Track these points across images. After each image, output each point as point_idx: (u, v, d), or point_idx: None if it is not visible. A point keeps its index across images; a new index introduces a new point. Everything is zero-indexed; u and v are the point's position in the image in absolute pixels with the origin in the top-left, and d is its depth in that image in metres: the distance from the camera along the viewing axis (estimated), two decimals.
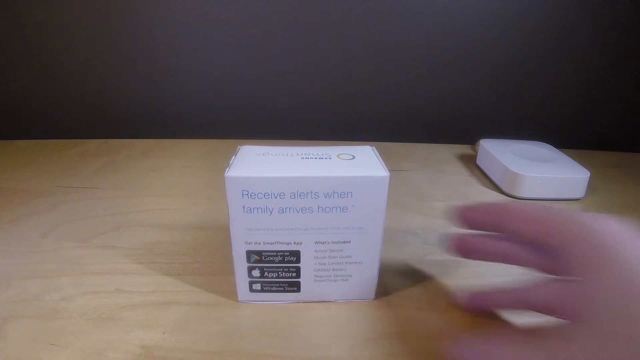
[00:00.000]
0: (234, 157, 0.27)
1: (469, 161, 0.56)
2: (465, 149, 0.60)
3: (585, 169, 0.46)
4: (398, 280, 0.32)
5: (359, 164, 0.26)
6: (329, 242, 0.27)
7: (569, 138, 0.63)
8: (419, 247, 0.36)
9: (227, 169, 0.25)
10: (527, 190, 0.44)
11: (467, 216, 0.26)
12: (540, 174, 0.44)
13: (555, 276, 0.23)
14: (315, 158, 0.27)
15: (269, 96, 0.64)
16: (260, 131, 0.65)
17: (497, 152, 0.49)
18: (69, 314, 0.28)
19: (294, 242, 0.26)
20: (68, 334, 0.26)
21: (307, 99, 0.65)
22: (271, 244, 0.26)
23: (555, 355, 0.19)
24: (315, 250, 0.27)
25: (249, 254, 0.27)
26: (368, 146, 0.30)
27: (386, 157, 0.38)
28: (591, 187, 0.46)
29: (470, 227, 0.26)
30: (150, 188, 0.46)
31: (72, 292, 0.30)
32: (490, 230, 0.26)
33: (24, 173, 0.49)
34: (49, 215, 0.40)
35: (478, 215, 0.26)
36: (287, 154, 0.27)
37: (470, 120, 0.66)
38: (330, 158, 0.27)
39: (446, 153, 0.59)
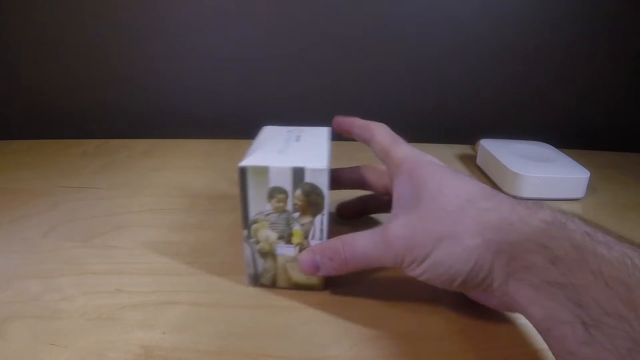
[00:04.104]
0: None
1: (469, 161, 0.56)
2: (465, 149, 0.60)
3: (585, 169, 0.46)
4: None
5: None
6: None
7: (569, 138, 0.63)
8: None
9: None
10: (527, 190, 0.44)
11: (346, 126, 0.34)
12: (540, 174, 0.44)
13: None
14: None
15: (269, 96, 0.64)
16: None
17: (497, 152, 0.49)
18: (69, 314, 0.28)
19: None
20: (68, 334, 0.26)
21: (306, 98, 0.65)
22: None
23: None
24: None
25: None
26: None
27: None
28: (591, 187, 0.46)
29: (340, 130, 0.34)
30: (150, 188, 0.46)
31: (72, 292, 0.30)
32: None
33: (24, 173, 0.49)
34: (49, 215, 0.40)
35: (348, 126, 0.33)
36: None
37: (470, 120, 0.66)
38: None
39: (446, 153, 0.59)
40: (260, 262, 0.30)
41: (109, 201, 0.43)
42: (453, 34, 0.60)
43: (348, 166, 0.36)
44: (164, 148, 0.58)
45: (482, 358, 0.25)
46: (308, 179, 0.27)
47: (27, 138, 0.60)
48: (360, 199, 0.38)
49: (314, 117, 0.65)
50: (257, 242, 0.29)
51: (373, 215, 0.40)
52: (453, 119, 0.66)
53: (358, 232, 0.27)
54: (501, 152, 0.49)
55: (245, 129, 0.66)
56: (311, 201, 0.27)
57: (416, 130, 0.66)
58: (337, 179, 0.36)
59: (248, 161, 0.27)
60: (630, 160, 0.59)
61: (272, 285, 0.30)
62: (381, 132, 0.31)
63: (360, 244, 0.26)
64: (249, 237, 0.29)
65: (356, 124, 0.33)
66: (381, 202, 0.37)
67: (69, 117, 0.65)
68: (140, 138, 0.61)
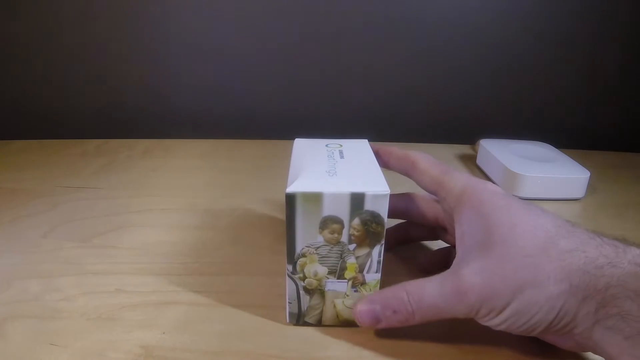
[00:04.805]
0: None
1: (469, 161, 0.56)
2: (465, 149, 0.60)
3: (585, 169, 0.46)
4: (399, 280, 0.32)
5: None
6: None
7: (569, 138, 0.63)
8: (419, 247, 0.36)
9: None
10: (527, 190, 0.44)
11: (383, 156, 0.31)
12: (540, 174, 0.44)
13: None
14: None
15: (269, 96, 0.64)
16: (260, 131, 0.65)
17: (497, 152, 0.49)
18: (69, 314, 0.28)
19: None
20: (68, 334, 0.26)
21: (307, 99, 0.65)
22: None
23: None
24: None
25: None
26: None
27: None
28: (591, 187, 0.46)
29: (385, 165, 0.31)
30: (150, 188, 0.46)
31: (72, 292, 0.30)
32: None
33: (24, 173, 0.49)
34: (49, 215, 0.40)
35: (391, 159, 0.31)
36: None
37: (470, 120, 0.66)
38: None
39: (446, 153, 0.59)
40: (306, 298, 0.26)
41: (109, 201, 0.43)
42: (453, 34, 0.60)
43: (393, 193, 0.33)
44: (164, 148, 0.58)
45: None
46: (368, 206, 0.24)
47: (27, 138, 0.60)
48: (399, 228, 0.34)
49: (314, 117, 0.65)
50: (304, 277, 0.26)
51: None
52: (453, 119, 0.66)
53: (422, 280, 0.24)
54: (501, 152, 0.49)
55: (245, 129, 0.66)
56: (370, 231, 0.24)
57: (416, 130, 0.66)
58: None
59: (296, 186, 0.24)
60: (630, 160, 0.59)
61: (318, 324, 0.27)
62: (424, 161, 0.29)
63: (429, 295, 0.23)
64: (294, 272, 0.25)
65: (394, 154, 0.30)
66: (423, 231, 0.33)
67: (69, 117, 0.65)
68: (140, 138, 0.61)
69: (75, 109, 0.65)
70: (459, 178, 0.27)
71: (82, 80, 0.63)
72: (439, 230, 0.32)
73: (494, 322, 0.22)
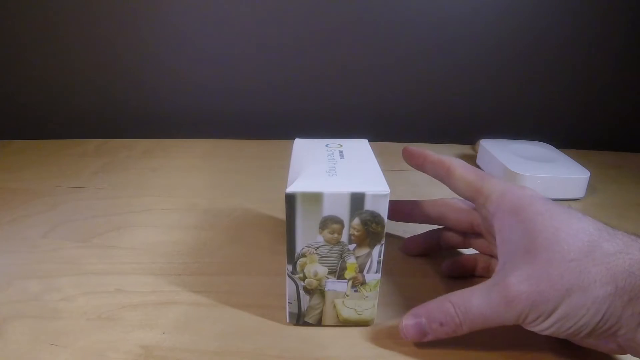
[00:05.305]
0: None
1: (469, 161, 0.56)
2: (465, 149, 0.60)
3: (585, 169, 0.46)
4: (399, 279, 0.32)
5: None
6: None
7: (569, 138, 0.63)
8: None
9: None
10: None
11: (417, 159, 0.31)
12: (540, 174, 0.44)
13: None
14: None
15: (269, 96, 0.64)
16: (260, 131, 0.65)
17: (497, 152, 0.49)
18: (69, 314, 0.28)
19: None
20: (68, 334, 0.26)
21: (307, 99, 0.65)
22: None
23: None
24: None
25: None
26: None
27: (386, 157, 0.38)
28: (591, 187, 0.46)
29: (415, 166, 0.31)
30: (150, 188, 0.46)
31: (72, 292, 0.30)
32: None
33: (24, 173, 0.49)
34: (49, 215, 0.40)
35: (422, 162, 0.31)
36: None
37: (470, 120, 0.66)
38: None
39: (446, 153, 0.58)
40: (306, 298, 0.26)
41: (109, 201, 0.43)
42: (453, 34, 0.60)
43: (427, 199, 0.33)
44: (164, 148, 0.58)
45: None
46: (368, 206, 0.24)
47: (27, 138, 0.60)
48: (431, 235, 0.34)
49: (314, 117, 0.65)
50: (304, 277, 0.26)
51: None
52: (453, 119, 0.66)
53: (466, 290, 0.24)
54: (501, 152, 0.49)
55: (245, 129, 0.66)
56: (370, 231, 0.24)
57: (416, 130, 0.66)
58: (415, 212, 0.33)
59: (296, 186, 0.24)
60: (630, 160, 0.59)
61: (318, 324, 0.27)
62: (460, 168, 0.29)
63: (476, 305, 0.23)
64: (294, 272, 0.25)
65: (429, 159, 0.30)
66: (454, 239, 0.33)
67: (69, 117, 0.65)
68: (140, 138, 0.61)
69: (75, 109, 0.65)
70: (497, 184, 0.27)
71: (82, 81, 0.63)
72: (472, 237, 0.32)
73: (541, 327, 0.22)
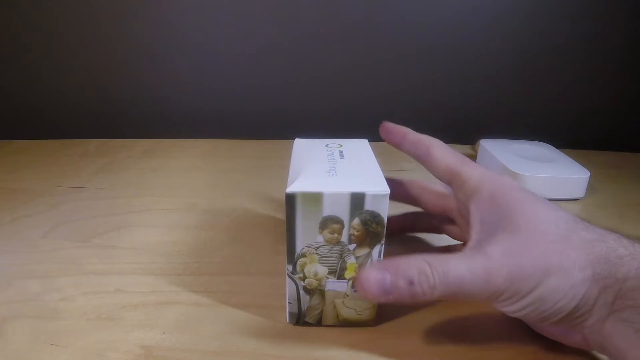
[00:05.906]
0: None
1: None
2: (465, 149, 0.60)
3: (585, 169, 0.46)
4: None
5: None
6: None
7: (569, 138, 0.63)
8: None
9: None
10: None
11: (396, 136, 0.30)
12: (540, 174, 0.44)
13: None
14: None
15: (269, 96, 0.64)
16: (260, 131, 0.65)
17: (497, 152, 0.49)
18: (69, 314, 0.28)
19: None
20: (68, 334, 0.26)
21: (307, 99, 0.65)
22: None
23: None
24: None
25: None
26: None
27: (386, 157, 0.38)
28: (591, 187, 0.46)
29: (393, 144, 0.30)
30: (150, 188, 0.46)
31: (72, 292, 0.30)
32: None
33: (24, 173, 0.49)
34: (49, 215, 0.40)
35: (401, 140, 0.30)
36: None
37: (470, 120, 0.66)
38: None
39: None
40: (306, 298, 0.26)
41: (109, 201, 0.43)
42: (453, 34, 0.60)
43: (406, 179, 0.33)
44: (164, 148, 0.58)
45: None
46: (368, 205, 0.23)
47: (27, 138, 0.60)
48: (407, 216, 0.35)
49: (314, 117, 0.65)
50: (304, 277, 0.26)
51: (418, 235, 0.37)
52: (453, 119, 0.66)
53: (444, 254, 0.22)
54: (501, 152, 0.49)
55: (245, 129, 0.66)
56: (370, 231, 0.24)
57: (416, 130, 0.66)
58: (394, 190, 0.33)
59: (296, 186, 0.23)
60: (630, 160, 0.59)
61: (318, 324, 0.27)
62: (440, 149, 0.28)
63: (456, 269, 0.21)
64: (294, 272, 0.25)
65: (407, 138, 0.29)
66: (431, 223, 0.33)
67: (69, 117, 0.65)
68: (140, 138, 0.61)
69: (75, 109, 0.65)
70: (476, 168, 0.26)
71: (82, 80, 0.63)
72: (445, 222, 0.32)
73: (514, 308, 0.22)
